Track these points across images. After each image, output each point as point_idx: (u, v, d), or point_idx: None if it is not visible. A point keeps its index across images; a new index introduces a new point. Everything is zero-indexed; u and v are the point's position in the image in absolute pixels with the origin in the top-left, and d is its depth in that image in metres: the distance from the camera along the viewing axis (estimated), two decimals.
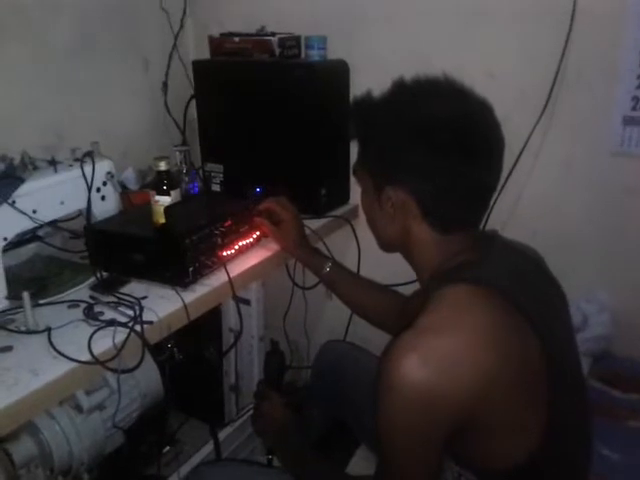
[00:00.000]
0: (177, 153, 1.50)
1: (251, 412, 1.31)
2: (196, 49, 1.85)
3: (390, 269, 1.34)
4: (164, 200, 1.19)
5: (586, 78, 1.32)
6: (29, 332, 1.01)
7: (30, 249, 1.29)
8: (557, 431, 0.81)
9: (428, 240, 0.90)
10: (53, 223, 1.24)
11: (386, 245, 0.99)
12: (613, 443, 1.13)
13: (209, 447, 1.47)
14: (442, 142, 0.82)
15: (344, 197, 1.68)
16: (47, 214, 1.16)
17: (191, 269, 1.16)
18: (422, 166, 0.85)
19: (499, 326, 0.78)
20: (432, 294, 0.83)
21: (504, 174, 0.97)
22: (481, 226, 0.94)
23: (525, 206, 1.44)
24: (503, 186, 1.17)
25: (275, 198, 1.35)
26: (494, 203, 0.93)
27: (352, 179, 1.64)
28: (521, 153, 1.38)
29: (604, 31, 1.28)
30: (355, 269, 1.58)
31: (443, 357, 0.75)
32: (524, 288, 0.86)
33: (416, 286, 1.19)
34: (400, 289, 1.36)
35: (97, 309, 1.08)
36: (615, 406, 1.23)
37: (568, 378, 0.88)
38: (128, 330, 1.01)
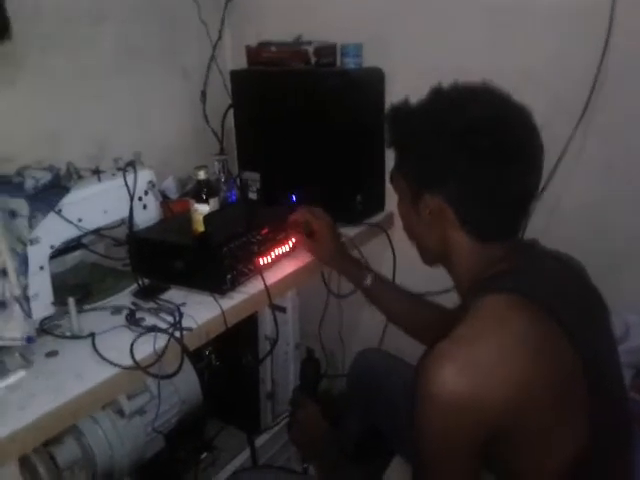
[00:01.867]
0: (215, 162, 1.52)
1: (287, 420, 1.32)
2: (234, 59, 1.87)
3: (425, 277, 1.33)
4: (203, 208, 1.21)
5: (626, 79, 1.29)
6: (74, 337, 1.04)
7: (75, 257, 1.32)
8: (596, 441, 0.80)
9: (466, 249, 0.89)
10: (97, 231, 1.28)
11: (427, 255, 0.99)
12: None
13: (245, 454, 1.48)
14: (481, 149, 0.82)
15: (379, 205, 1.68)
16: (91, 222, 1.19)
17: (229, 277, 1.17)
18: (460, 173, 0.84)
19: (536, 337, 0.78)
20: (470, 303, 0.82)
21: (542, 180, 0.96)
22: (520, 234, 0.93)
23: (565, 213, 1.41)
24: (541, 193, 1.15)
25: (307, 208, 1.33)
26: (531, 212, 0.92)
27: (387, 187, 1.65)
28: (560, 159, 1.35)
29: None
30: (390, 277, 1.58)
31: (479, 367, 0.75)
32: (563, 298, 0.84)
33: (451, 294, 1.19)
34: (435, 297, 1.36)
35: (138, 315, 1.11)
36: None
37: (608, 389, 0.86)
38: (168, 336, 1.03)
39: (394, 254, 1.61)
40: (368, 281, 1.30)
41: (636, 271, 1.34)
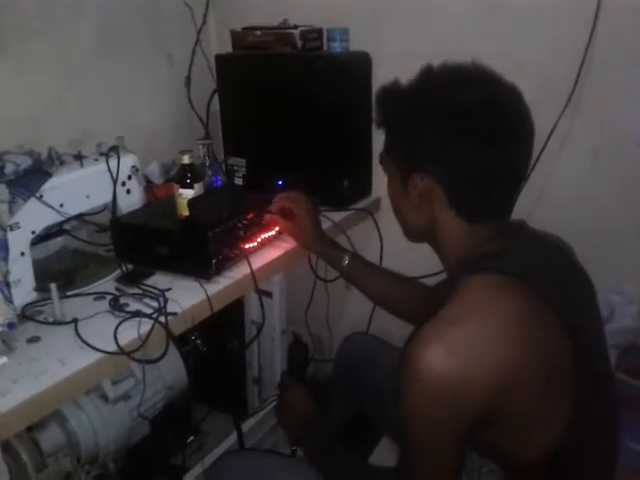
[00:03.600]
0: (200, 147, 1.51)
1: (274, 403, 1.32)
2: (218, 43, 1.85)
3: (412, 261, 1.33)
4: (188, 193, 1.20)
5: (613, 66, 1.29)
6: (56, 323, 1.03)
7: (57, 242, 1.31)
8: (583, 423, 0.80)
9: (455, 229, 0.89)
10: (79, 217, 1.27)
11: (412, 234, 0.98)
12: None
13: (232, 438, 1.48)
14: (470, 128, 0.82)
15: (366, 189, 1.67)
16: (74, 208, 1.18)
17: (214, 261, 1.17)
18: (449, 153, 0.84)
19: (524, 316, 0.78)
20: (457, 283, 0.82)
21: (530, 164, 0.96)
22: (508, 215, 0.93)
23: (551, 196, 1.41)
24: (529, 175, 1.15)
25: (286, 193, 1.32)
26: (519, 193, 0.92)
27: (374, 171, 1.65)
28: (547, 142, 1.35)
29: (631, 19, 1.25)
30: (377, 261, 1.58)
31: (467, 347, 0.75)
32: (551, 278, 0.85)
33: (439, 278, 1.19)
34: (423, 281, 1.36)
35: (122, 301, 1.10)
36: None
37: (595, 368, 0.87)
38: (153, 321, 1.02)
39: (381, 239, 1.61)
40: (346, 261, 1.30)
41: (620, 253, 1.35)
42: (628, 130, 1.32)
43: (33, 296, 1.10)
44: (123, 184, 1.26)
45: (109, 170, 1.22)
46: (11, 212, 1.04)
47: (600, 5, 1.25)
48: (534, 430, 0.80)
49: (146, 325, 1.02)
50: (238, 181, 1.66)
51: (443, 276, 1.04)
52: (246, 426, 1.52)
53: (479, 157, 0.83)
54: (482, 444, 0.86)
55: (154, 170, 1.58)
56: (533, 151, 0.90)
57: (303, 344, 1.35)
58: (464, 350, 0.74)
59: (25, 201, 1.06)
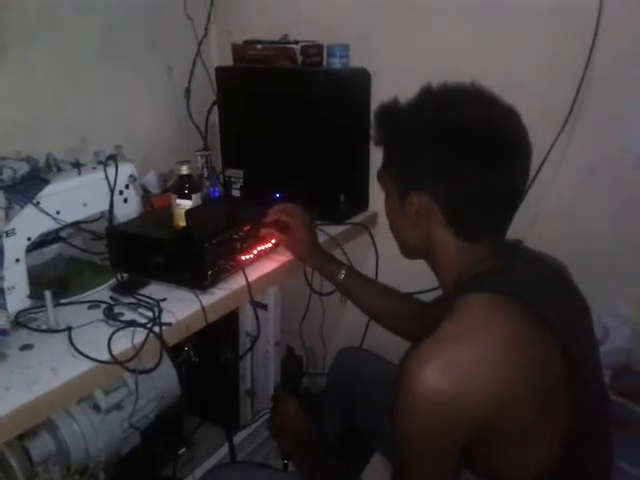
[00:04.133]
0: (199, 158, 1.52)
1: (267, 416, 1.31)
2: (219, 56, 1.87)
3: (408, 277, 1.33)
4: (185, 204, 1.20)
5: (610, 87, 1.31)
6: (50, 331, 1.03)
7: (53, 250, 1.30)
8: (577, 442, 0.80)
9: (451, 247, 0.89)
10: (76, 224, 1.26)
11: (408, 251, 0.99)
12: (632, 457, 1.12)
13: (224, 450, 1.48)
14: (469, 148, 0.82)
15: (363, 204, 1.68)
16: (70, 215, 1.17)
17: (210, 272, 1.16)
18: (448, 172, 0.84)
19: (519, 335, 0.78)
20: (454, 302, 0.83)
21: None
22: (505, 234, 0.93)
23: (546, 216, 1.42)
24: (524, 195, 1.16)
25: (282, 205, 1.33)
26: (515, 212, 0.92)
27: (371, 186, 1.66)
28: (543, 162, 1.36)
29: (631, 39, 1.27)
30: (373, 276, 1.58)
31: (463, 366, 0.75)
32: (546, 298, 0.85)
33: (435, 294, 1.19)
34: (419, 297, 1.36)
35: (117, 310, 1.09)
36: (635, 420, 1.21)
37: (590, 389, 0.87)
38: (147, 331, 1.02)
39: (377, 253, 1.62)
40: (342, 275, 1.30)
41: (615, 274, 1.36)
42: (625, 151, 1.33)
43: (27, 303, 1.09)
44: (120, 193, 1.26)
45: (107, 178, 1.22)
46: (7, 218, 1.04)
47: (599, 25, 1.26)
48: (528, 448, 0.80)
49: (140, 335, 1.01)
50: (236, 193, 1.67)
51: (439, 292, 1.04)
52: (238, 439, 1.51)
53: (478, 177, 0.83)
54: (476, 461, 0.85)
55: (152, 180, 1.58)
56: (530, 171, 0.91)
57: (298, 357, 1.34)
58: (460, 369, 0.75)
59: (22, 207, 1.06)
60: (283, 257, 1.34)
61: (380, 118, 0.94)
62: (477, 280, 0.85)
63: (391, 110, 0.93)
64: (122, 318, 1.06)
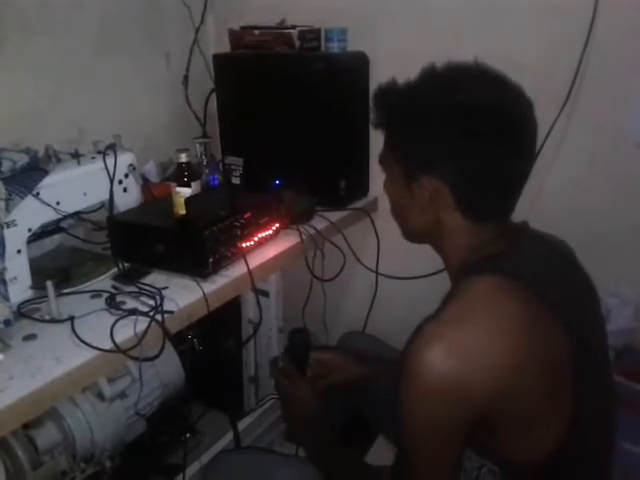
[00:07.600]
0: (197, 145, 1.51)
1: (270, 402, 1.31)
2: (217, 43, 1.85)
3: (408, 261, 1.34)
4: (185, 192, 1.20)
5: (610, 68, 1.29)
6: (53, 321, 1.03)
7: (54, 240, 1.31)
8: (582, 423, 0.80)
9: (459, 229, 0.88)
10: (76, 215, 1.26)
11: (412, 234, 0.97)
12: (636, 437, 1.12)
13: (229, 437, 1.49)
14: (477, 128, 0.81)
15: (364, 189, 1.67)
16: (70, 206, 1.18)
17: (211, 260, 1.16)
18: (456, 153, 0.83)
19: (525, 318, 0.78)
20: (459, 284, 0.82)
21: None
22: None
23: (547, 198, 1.41)
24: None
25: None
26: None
27: (372, 171, 1.65)
28: (543, 144, 1.36)
29: (628, 20, 1.25)
30: (374, 261, 1.58)
31: (467, 348, 0.75)
32: (552, 280, 0.85)
33: (434, 278, 1.19)
34: (418, 281, 1.36)
35: (119, 299, 1.09)
36: (638, 400, 1.22)
37: (596, 369, 0.86)
38: (149, 319, 1.02)
39: (378, 239, 1.62)
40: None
41: (616, 255, 1.36)
42: (625, 132, 1.32)
43: (29, 294, 1.10)
44: (120, 182, 1.26)
45: (106, 168, 1.22)
46: (7, 209, 1.04)
47: (598, 5, 1.25)
48: (532, 429, 0.80)
49: (142, 323, 1.01)
50: (235, 180, 1.66)
51: (439, 276, 1.04)
52: (242, 425, 1.52)
53: (486, 156, 0.82)
54: (482, 444, 0.85)
55: (151, 169, 1.57)
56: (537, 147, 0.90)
57: (303, 330, 1.29)
58: (465, 351, 0.74)
59: (22, 198, 1.07)
60: (284, 244, 1.34)
61: (380, 100, 0.91)
62: (483, 262, 0.84)
63: (391, 92, 0.90)
64: (124, 307, 1.07)
